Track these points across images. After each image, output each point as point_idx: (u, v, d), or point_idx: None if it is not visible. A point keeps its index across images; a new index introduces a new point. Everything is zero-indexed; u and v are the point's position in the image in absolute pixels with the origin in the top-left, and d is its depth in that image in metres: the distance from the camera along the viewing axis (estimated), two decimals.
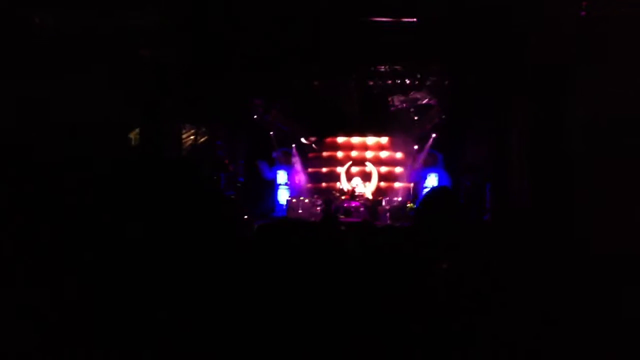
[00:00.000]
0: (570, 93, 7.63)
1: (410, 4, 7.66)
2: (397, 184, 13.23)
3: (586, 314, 1.94)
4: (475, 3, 7.60)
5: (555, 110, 7.75)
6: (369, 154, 13.70)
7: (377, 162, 13.68)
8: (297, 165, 13.25)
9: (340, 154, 13.66)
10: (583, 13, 7.88)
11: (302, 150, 13.33)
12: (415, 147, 13.13)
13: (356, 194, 12.56)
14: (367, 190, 12.94)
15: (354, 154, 13.67)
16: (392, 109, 12.32)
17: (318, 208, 11.97)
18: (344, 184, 13.08)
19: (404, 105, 12.41)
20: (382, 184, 13.39)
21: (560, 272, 2.34)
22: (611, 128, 6.96)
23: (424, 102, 12.36)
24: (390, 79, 11.75)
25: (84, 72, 7.61)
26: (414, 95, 12.20)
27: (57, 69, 7.32)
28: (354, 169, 13.41)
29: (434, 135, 12.74)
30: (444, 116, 12.31)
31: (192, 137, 11.19)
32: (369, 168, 13.37)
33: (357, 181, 13.03)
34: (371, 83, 11.95)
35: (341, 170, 13.34)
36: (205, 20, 7.50)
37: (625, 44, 7.24)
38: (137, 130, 9.49)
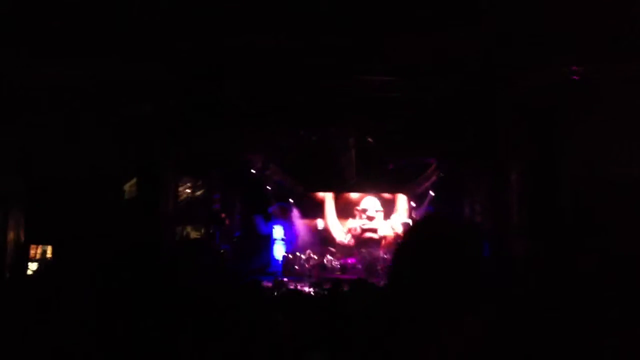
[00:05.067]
0: (562, 154, 7.68)
1: (407, 66, 7.79)
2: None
3: None
4: (468, 74, 7.72)
5: (549, 170, 7.77)
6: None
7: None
8: (295, 219, 13.18)
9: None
10: (575, 77, 8.01)
11: (300, 204, 13.28)
12: (413, 204, 13.09)
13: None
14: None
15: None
16: (391, 166, 12.35)
17: (310, 264, 11.85)
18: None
19: (402, 163, 12.46)
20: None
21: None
22: (602, 186, 7.02)
23: (423, 160, 12.42)
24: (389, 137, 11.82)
25: (80, 124, 7.70)
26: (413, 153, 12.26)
27: (54, 120, 7.40)
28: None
29: (432, 193, 12.72)
30: (442, 174, 12.32)
31: (188, 191, 11.19)
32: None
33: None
34: (370, 140, 12.00)
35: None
36: (205, 75, 7.62)
37: (614, 106, 7.35)
38: (132, 182, 9.50)
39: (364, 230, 12.74)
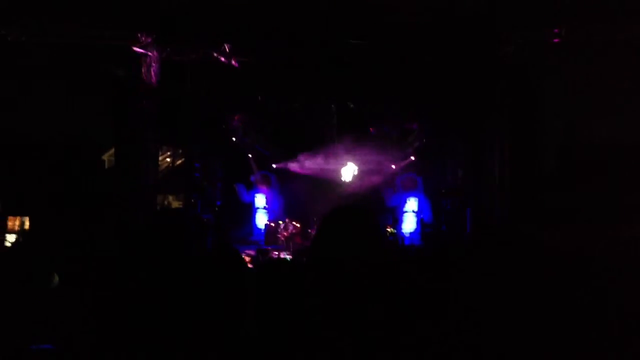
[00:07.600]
0: (543, 117, 7.72)
1: (389, 29, 7.68)
2: None
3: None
4: (449, 31, 7.64)
5: (530, 134, 7.80)
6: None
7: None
8: (277, 187, 13.08)
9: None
10: (556, 40, 7.98)
11: (280, 172, 13.17)
12: (394, 167, 13.07)
13: None
14: None
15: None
16: (372, 131, 12.29)
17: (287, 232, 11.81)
18: None
19: (384, 128, 12.40)
20: None
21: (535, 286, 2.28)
22: (581, 150, 7.10)
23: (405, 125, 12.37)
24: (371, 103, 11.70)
25: (57, 91, 7.48)
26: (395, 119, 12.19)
27: (29, 86, 7.18)
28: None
29: (413, 158, 12.71)
30: (424, 140, 12.31)
31: (168, 159, 11.04)
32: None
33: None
34: (352, 106, 11.89)
35: None
36: (181, 38, 7.45)
37: (596, 71, 7.36)
38: (111, 151, 9.33)
39: None
